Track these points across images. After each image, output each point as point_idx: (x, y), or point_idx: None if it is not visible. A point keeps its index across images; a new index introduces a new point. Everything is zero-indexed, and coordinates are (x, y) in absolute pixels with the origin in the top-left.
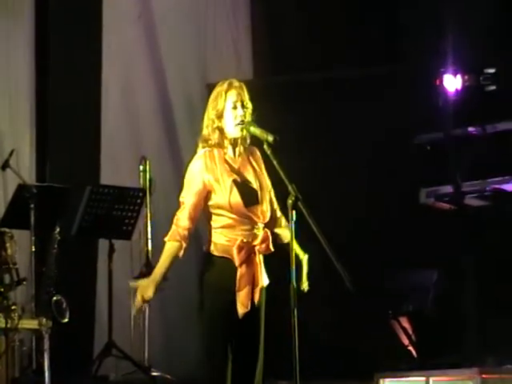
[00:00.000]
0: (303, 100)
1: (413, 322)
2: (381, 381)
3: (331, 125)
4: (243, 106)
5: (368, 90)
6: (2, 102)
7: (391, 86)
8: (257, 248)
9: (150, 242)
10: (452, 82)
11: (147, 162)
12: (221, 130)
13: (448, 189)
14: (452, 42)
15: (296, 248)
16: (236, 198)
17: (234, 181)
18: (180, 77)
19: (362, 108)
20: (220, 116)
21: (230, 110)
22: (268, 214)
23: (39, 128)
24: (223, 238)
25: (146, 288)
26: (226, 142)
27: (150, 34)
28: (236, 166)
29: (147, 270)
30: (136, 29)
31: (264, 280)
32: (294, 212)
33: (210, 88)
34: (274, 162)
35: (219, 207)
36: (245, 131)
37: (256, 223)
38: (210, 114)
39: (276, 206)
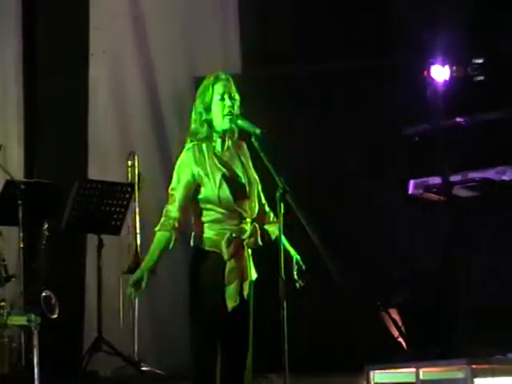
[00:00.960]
0: (291, 94)
1: (402, 314)
2: (371, 373)
3: (319, 118)
4: (231, 98)
5: (356, 83)
6: None
7: (379, 77)
8: (245, 242)
9: (138, 236)
10: (440, 73)
11: (135, 157)
12: (209, 123)
13: (436, 180)
14: (440, 32)
15: (288, 247)
16: (225, 192)
17: (224, 175)
18: (168, 71)
19: (350, 101)
20: (208, 109)
21: (217, 102)
22: (256, 209)
23: (27, 124)
24: (212, 233)
25: (141, 281)
26: (215, 136)
27: (137, 29)
28: (224, 160)
29: (136, 265)
30: (123, 24)
31: (252, 274)
32: (282, 205)
33: (198, 82)
34: (262, 155)
35: (208, 201)
36: (233, 123)
37: (244, 217)
38: (197, 107)
39: (264, 200)
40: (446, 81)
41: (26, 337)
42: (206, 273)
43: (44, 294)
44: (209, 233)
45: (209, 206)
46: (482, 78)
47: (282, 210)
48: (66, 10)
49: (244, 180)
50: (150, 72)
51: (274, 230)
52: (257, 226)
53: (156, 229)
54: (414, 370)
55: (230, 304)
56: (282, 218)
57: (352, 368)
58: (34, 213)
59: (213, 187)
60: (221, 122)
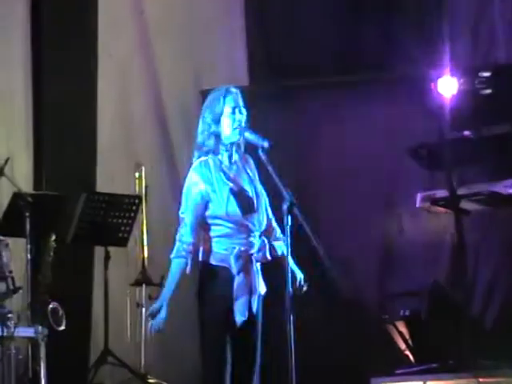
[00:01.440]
0: (299, 106)
1: (410, 327)
2: None
3: (328, 130)
4: (240, 112)
5: (363, 96)
6: None
7: (387, 90)
8: (254, 256)
9: (145, 249)
10: (447, 86)
11: (142, 169)
12: (217, 136)
13: (444, 193)
14: (447, 46)
15: (293, 265)
16: (233, 206)
17: (231, 189)
18: (174, 83)
19: (358, 113)
20: (217, 121)
21: (228, 115)
22: (265, 222)
23: (35, 136)
24: (220, 247)
25: (159, 311)
26: (221, 149)
27: (144, 42)
28: (232, 174)
29: (143, 278)
30: (131, 36)
31: (261, 288)
32: (289, 217)
33: (204, 94)
34: (269, 168)
35: (216, 217)
36: (242, 136)
37: (252, 231)
38: (206, 118)
39: (271, 215)
40: (453, 94)
41: (32, 349)
42: (215, 288)
43: (51, 306)
44: (217, 247)
45: (217, 221)
46: (489, 91)
47: (289, 222)
48: (73, 20)
49: (251, 193)
50: (157, 85)
51: (280, 245)
52: (265, 240)
53: (171, 256)
54: (421, 383)
55: (239, 319)
56: (289, 231)
57: (359, 381)
58: (41, 225)
59: (220, 202)
60: (229, 135)
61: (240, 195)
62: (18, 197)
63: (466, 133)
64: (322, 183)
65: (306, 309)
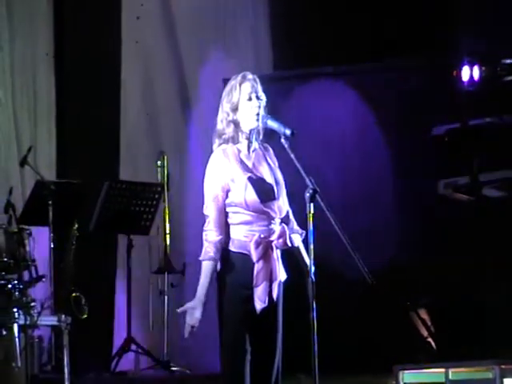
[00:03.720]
0: (323, 93)
1: (431, 314)
2: (400, 373)
3: (351, 117)
4: (258, 98)
5: (386, 83)
6: (21, 100)
7: (410, 77)
8: (274, 243)
9: (168, 237)
10: (469, 73)
11: (165, 158)
12: (236, 124)
13: (466, 180)
14: (469, 33)
15: (305, 256)
16: (252, 195)
17: (249, 178)
18: (198, 71)
19: (380, 100)
20: (235, 109)
21: (244, 102)
22: (285, 209)
23: (59, 124)
24: (241, 234)
25: (193, 310)
26: (241, 137)
27: (169, 28)
28: (251, 162)
29: (165, 265)
30: (155, 22)
31: (282, 275)
32: (311, 205)
33: (226, 82)
34: (292, 156)
35: (236, 205)
36: (261, 123)
37: (273, 218)
38: (224, 107)
39: (288, 207)
40: (475, 81)
41: (55, 337)
42: (235, 274)
43: (74, 295)
44: (237, 234)
45: (236, 208)
46: (510, 77)
47: (311, 210)
48: (96, 9)
49: (271, 181)
50: (181, 73)
51: (296, 237)
52: (286, 226)
53: (200, 258)
54: (443, 370)
55: (259, 306)
56: (311, 219)
57: (381, 368)
58: (64, 213)
59: (239, 191)
60: (248, 122)
61: (259, 183)
62: (40, 185)
63: (488, 119)
64: (346, 169)
65: (328, 297)
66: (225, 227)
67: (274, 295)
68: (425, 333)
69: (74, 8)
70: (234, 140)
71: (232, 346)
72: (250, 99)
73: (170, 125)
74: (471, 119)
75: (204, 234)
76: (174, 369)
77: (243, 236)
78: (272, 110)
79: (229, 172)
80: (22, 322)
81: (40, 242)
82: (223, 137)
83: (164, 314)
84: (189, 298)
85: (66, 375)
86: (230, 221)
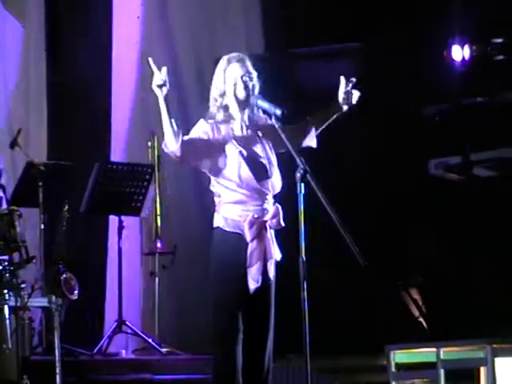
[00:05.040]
0: (312, 74)
1: (423, 294)
2: (391, 353)
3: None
4: (244, 80)
5: (376, 63)
6: (11, 82)
7: (400, 57)
8: (268, 223)
9: (159, 218)
10: (460, 53)
11: (156, 138)
12: (225, 108)
13: (457, 159)
14: (459, 12)
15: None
16: (246, 171)
17: (241, 153)
18: (190, 51)
19: (369, 81)
20: (222, 94)
21: (230, 87)
22: (278, 187)
23: (49, 106)
24: (235, 214)
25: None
26: (233, 119)
27: (160, 9)
28: (244, 140)
29: (156, 247)
30: (146, 3)
31: (276, 254)
32: (302, 185)
33: (217, 63)
34: (282, 136)
35: (231, 180)
36: (249, 106)
37: (267, 197)
38: (213, 92)
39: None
40: (465, 60)
41: (46, 319)
42: (229, 254)
43: (64, 276)
44: (231, 214)
45: (231, 185)
46: (501, 57)
47: (302, 190)
48: None
49: (264, 159)
50: (173, 52)
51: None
52: (279, 207)
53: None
54: (434, 349)
55: (252, 285)
56: (302, 199)
57: (372, 348)
58: (55, 195)
59: (233, 167)
60: (236, 106)
61: (252, 160)
62: (31, 167)
63: (479, 99)
64: (336, 150)
65: (319, 276)
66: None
67: (271, 275)
68: (416, 313)
69: None
70: (227, 122)
71: (224, 324)
72: (235, 84)
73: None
74: (462, 99)
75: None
76: (165, 350)
77: (237, 216)
78: (263, 91)
79: (220, 141)
80: (12, 303)
81: (30, 224)
82: (215, 119)
83: (155, 296)
84: (180, 279)
85: (57, 357)
86: (223, 199)
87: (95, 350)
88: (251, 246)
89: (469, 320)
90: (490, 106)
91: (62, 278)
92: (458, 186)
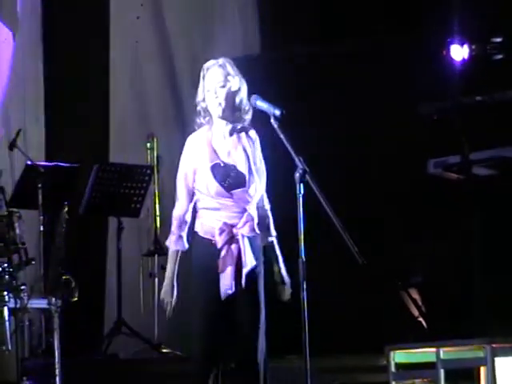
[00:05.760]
0: (309, 73)
1: (422, 293)
2: (391, 353)
3: (340, 96)
4: (224, 85)
5: (375, 61)
6: (9, 82)
7: (398, 56)
8: (240, 230)
9: (158, 219)
10: (459, 52)
11: (155, 139)
12: (206, 112)
13: (456, 158)
14: (458, 11)
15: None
16: (213, 183)
17: (214, 165)
18: (187, 52)
19: (369, 79)
20: (202, 99)
21: (207, 94)
22: (257, 196)
23: (47, 107)
24: (208, 220)
25: (166, 293)
26: (215, 123)
27: (156, 10)
28: (224, 148)
29: (155, 248)
30: (143, 6)
31: (248, 262)
32: (301, 185)
33: None
34: (281, 136)
35: (202, 192)
36: (220, 112)
37: (239, 206)
38: (196, 96)
39: (267, 206)
40: (464, 59)
41: (46, 320)
42: (201, 259)
43: (64, 278)
44: (205, 220)
45: (203, 196)
46: (500, 56)
47: (301, 191)
48: None
49: (243, 168)
50: (169, 53)
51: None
52: (252, 213)
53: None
54: (434, 349)
55: (224, 292)
56: (301, 200)
57: (372, 348)
58: (54, 196)
59: (203, 179)
60: (214, 112)
61: (225, 170)
62: (30, 168)
63: (478, 98)
64: (335, 150)
65: (319, 276)
66: (188, 203)
67: (243, 282)
68: (416, 312)
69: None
70: (209, 125)
71: (199, 329)
72: (209, 91)
73: (160, 106)
74: (461, 98)
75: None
76: (164, 351)
77: (210, 222)
78: (261, 91)
79: (197, 157)
80: (11, 305)
81: (30, 225)
82: (199, 122)
83: (154, 297)
84: (179, 280)
85: (57, 358)
86: (199, 205)
87: (95, 352)
88: (222, 253)
89: (468, 320)
90: (489, 105)
91: (61, 279)
92: (457, 185)
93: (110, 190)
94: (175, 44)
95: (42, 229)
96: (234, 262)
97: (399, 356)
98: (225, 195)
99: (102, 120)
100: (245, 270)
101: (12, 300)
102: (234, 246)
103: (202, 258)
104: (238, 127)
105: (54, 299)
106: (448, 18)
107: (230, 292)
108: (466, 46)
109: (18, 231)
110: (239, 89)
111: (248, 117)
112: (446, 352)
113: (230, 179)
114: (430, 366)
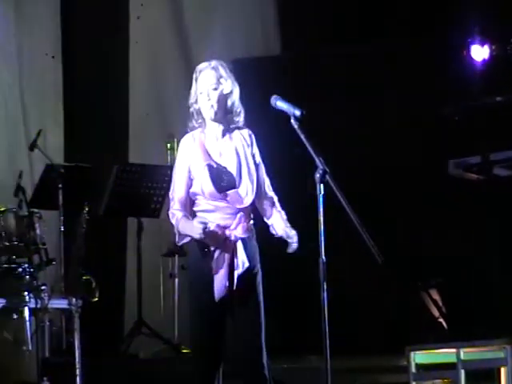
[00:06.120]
0: (329, 74)
1: (443, 294)
2: (411, 354)
3: (360, 97)
4: (216, 88)
5: (396, 62)
6: (28, 83)
7: (420, 56)
8: (232, 232)
9: None
10: (479, 52)
11: (175, 140)
12: (199, 113)
13: (476, 159)
14: (479, 11)
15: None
16: (208, 184)
17: (208, 166)
18: (206, 53)
19: (390, 80)
20: (195, 101)
21: (199, 96)
22: (249, 198)
23: (67, 108)
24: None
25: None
26: (208, 125)
27: (176, 11)
28: (216, 149)
29: (176, 248)
30: (162, 5)
31: (242, 264)
32: (321, 185)
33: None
34: (302, 137)
35: (196, 194)
36: (213, 114)
37: (232, 207)
38: (189, 98)
39: (271, 193)
40: (485, 60)
41: (66, 320)
42: (196, 261)
43: (84, 278)
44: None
45: (198, 197)
46: None
47: (321, 191)
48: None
49: (234, 169)
50: (190, 54)
51: (278, 224)
52: (244, 215)
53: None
54: (454, 350)
55: (217, 294)
56: (321, 200)
57: (392, 349)
58: (74, 196)
59: (197, 180)
60: (206, 114)
61: (218, 171)
62: (50, 169)
63: (499, 98)
64: (355, 151)
65: (339, 276)
66: (189, 209)
67: (234, 284)
68: (436, 313)
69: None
70: (202, 127)
71: (196, 330)
72: (202, 93)
73: (180, 107)
74: (482, 98)
75: (170, 213)
76: (184, 351)
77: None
78: (281, 91)
79: (190, 159)
80: (32, 305)
81: (50, 226)
82: (192, 123)
83: (174, 297)
84: None
85: (77, 358)
86: (196, 208)
87: (115, 352)
88: (215, 255)
89: (489, 320)
90: (509, 105)
91: (81, 279)
92: (478, 185)
93: (130, 191)
94: (195, 44)
95: (62, 229)
96: (228, 264)
97: (419, 356)
98: (218, 197)
99: (121, 120)
100: (236, 273)
101: (33, 300)
102: (227, 248)
103: (197, 260)
104: (231, 127)
105: (74, 299)
106: (469, 19)
107: (223, 294)
108: (486, 47)
109: (38, 232)
110: (231, 91)
111: (240, 119)
112: (466, 352)
113: (223, 181)
114: (450, 367)
